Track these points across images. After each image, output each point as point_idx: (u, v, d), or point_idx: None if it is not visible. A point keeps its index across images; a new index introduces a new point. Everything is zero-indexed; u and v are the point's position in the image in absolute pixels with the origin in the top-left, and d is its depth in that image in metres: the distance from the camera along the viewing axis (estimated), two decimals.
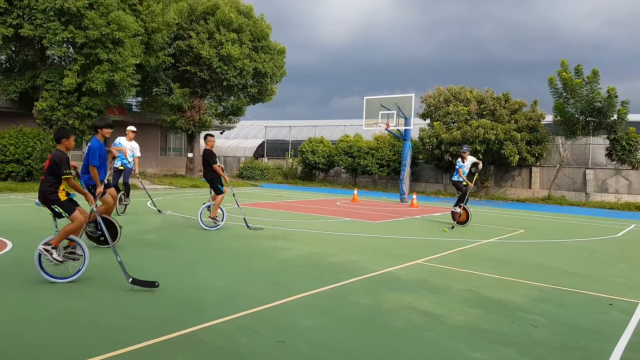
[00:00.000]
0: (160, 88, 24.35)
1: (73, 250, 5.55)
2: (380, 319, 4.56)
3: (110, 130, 6.97)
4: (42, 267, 5.33)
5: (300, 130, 35.21)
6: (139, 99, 25.52)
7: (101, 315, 4.37)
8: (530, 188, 23.40)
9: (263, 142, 35.80)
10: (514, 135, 20.79)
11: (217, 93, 25.24)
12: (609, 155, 20.59)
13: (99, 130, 6.86)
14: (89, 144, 6.85)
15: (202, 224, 9.51)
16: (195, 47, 22.82)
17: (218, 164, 9.49)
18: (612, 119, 19.99)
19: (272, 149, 34.95)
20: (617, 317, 4.98)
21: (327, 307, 4.88)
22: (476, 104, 22.63)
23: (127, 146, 11.12)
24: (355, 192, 19.05)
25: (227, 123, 28.02)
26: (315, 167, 28.71)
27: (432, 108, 23.61)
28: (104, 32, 17.55)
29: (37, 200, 5.51)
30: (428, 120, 24.53)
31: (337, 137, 30.02)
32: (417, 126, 24.63)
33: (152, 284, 5.22)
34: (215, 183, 9.47)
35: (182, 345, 3.74)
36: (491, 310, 5.01)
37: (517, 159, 20.94)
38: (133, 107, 27.05)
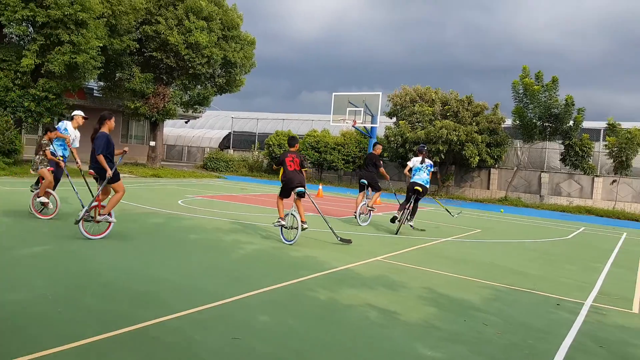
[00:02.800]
0: (124, 73, 23.66)
1: None
2: (337, 316, 4.60)
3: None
4: None
5: (268, 123, 35.00)
6: (101, 83, 24.74)
7: (48, 308, 4.20)
8: (488, 189, 24.09)
9: (229, 134, 35.40)
10: (475, 137, 21.32)
11: (183, 81, 24.76)
12: (563, 160, 21.44)
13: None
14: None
15: (359, 221, 11.01)
16: (163, 33, 22.28)
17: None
18: (567, 125, 20.80)
19: (238, 140, 34.61)
20: (564, 317, 5.19)
21: (285, 303, 4.89)
22: (440, 105, 23.08)
23: (72, 134, 9.05)
24: (320, 187, 19.11)
25: (192, 112, 27.56)
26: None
27: (398, 107, 23.94)
28: (66, 12, 16.88)
29: (299, 188, 8.00)
30: (394, 119, 24.86)
31: (305, 131, 30.02)
32: (383, 124, 24.91)
33: (349, 241, 8.26)
34: (376, 182, 11.17)
35: (133, 342, 3.62)
36: (445, 308, 5.14)
37: (477, 160, 21.50)
38: (94, 91, 26.20)
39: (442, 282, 6.29)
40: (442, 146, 21.45)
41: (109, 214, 7.09)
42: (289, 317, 4.47)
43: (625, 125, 20.98)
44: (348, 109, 19.29)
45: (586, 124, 21.98)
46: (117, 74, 23.72)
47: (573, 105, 20.52)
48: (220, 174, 28.29)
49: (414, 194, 10.11)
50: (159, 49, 23.06)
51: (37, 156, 8.50)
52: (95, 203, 7.03)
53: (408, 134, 22.31)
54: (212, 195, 15.53)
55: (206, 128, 39.60)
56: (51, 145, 8.56)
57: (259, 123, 34.23)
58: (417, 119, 23.06)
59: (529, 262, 8.25)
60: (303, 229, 7.86)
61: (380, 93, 19.27)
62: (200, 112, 28.01)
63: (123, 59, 22.64)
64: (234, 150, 33.83)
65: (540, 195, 22.89)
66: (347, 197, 19.41)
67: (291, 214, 8.05)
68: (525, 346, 4.24)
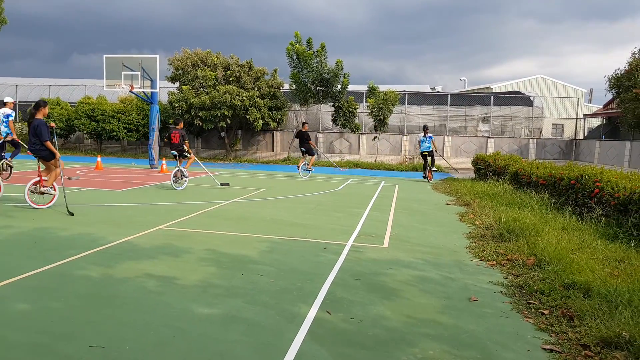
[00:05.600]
0: None
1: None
2: (110, 292, 4.42)
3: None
4: None
5: (31, 89, 30.02)
6: None
7: None
8: (273, 151, 25.44)
9: None
10: (258, 101, 22.08)
11: None
12: (334, 120, 23.91)
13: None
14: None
15: (301, 175, 16.15)
16: None
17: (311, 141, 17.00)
18: (337, 89, 23.12)
19: None
20: (329, 258, 5.96)
21: (49, 286, 4.47)
22: (223, 69, 23.08)
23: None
24: (99, 159, 17.51)
25: None
26: (51, 132, 25.04)
27: (180, 71, 23.10)
28: None
29: (173, 151, 12.04)
30: (177, 84, 23.96)
31: (78, 98, 26.74)
32: (165, 89, 23.81)
33: (227, 184, 12.65)
34: (310, 150, 16.60)
35: None
36: (225, 266, 5.38)
37: (261, 124, 22.39)
38: None
39: (224, 242, 6.53)
40: (228, 111, 21.64)
41: (52, 187, 8.49)
42: (53, 301, 4.12)
43: (382, 88, 24.29)
44: (123, 72, 17.78)
45: (352, 88, 24.78)
46: None
47: (342, 69, 22.81)
48: None
49: (424, 159, 16.73)
50: None
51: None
52: (37, 178, 8.39)
53: (192, 100, 21.82)
54: None
55: None
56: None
57: (18, 90, 29.13)
58: (200, 83, 22.66)
59: (304, 214, 9.12)
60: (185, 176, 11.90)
61: (158, 56, 18.17)
62: None
63: None
64: None
65: (318, 154, 25.17)
66: (132, 168, 18.24)
67: (179, 169, 11.81)
68: (294, 289, 4.75)
